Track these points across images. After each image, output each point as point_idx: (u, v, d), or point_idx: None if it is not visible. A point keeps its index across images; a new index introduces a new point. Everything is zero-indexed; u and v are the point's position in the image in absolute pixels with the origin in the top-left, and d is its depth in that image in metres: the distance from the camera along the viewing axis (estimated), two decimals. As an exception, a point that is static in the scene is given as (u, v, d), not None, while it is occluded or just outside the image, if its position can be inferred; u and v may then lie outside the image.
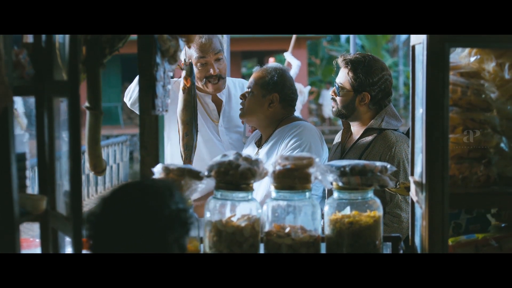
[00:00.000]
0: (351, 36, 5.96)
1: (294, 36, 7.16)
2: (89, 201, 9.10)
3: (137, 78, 3.47)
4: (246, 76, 32.19)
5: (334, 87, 3.55)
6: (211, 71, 3.63)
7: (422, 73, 2.13)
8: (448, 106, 2.07)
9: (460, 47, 2.25)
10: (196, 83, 3.70)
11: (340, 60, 3.55)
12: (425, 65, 2.07)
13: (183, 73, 3.35)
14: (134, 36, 2.46)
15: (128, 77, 24.04)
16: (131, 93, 3.62)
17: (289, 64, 6.89)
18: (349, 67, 3.48)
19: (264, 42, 22.66)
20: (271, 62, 6.78)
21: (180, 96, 3.38)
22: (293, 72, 6.61)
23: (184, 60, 3.44)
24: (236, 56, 23.67)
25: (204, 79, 3.65)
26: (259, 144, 3.57)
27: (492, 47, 2.19)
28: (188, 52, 3.60)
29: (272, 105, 3.48)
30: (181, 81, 3.39)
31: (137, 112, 3.55)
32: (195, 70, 3.62)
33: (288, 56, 7.05)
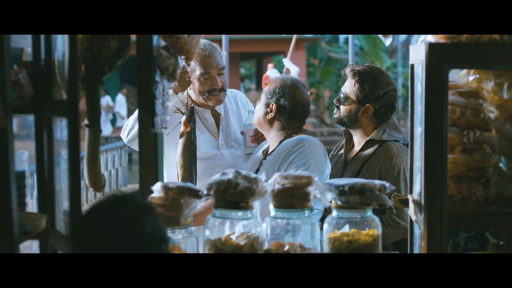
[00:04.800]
0: (350, 37, 5.92)
1: (293, 42, 7.14)
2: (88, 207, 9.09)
3: (135, 114, 3.46)
4: (244, 77, 32.20)
5: (339, 95, 3.58)
6: (215, 85, 3.65)
7: (421, 94, 2.13)
8: (447, 128, 2.07)
9: (459, 68, 2.25)
10: (197, 97, 3.71)
11: (348, 70, 3.58)
12: (424, 87, 2.08)
13: (183, 118, 3.36)
14: (133, 38, 2.46)
15: (126, 79, 24.07)
16: (129, 130, 3.62)
17: (288, 71, 6.89)
18: (356, 78, 3.51)
19: (262, 44, 22.69)
20: (270, 69, 6.74)
21: (179, 140, 3.39)
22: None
23: (186, 104, 3.44)
24: (234, 58, 23.66)
25: (207, 93, 3.66)
26: (265, 154, 3.59)
27: (491, 69, 2.19)
28: (190, 67, 3.60)
29: (270, 114, 3.49)
30: (181, 127, 3.40)
31: (134, 148, 3.55)
32: (197, 84, 3.64)
33: (286, 62, 7.03)
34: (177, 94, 3.59)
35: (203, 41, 3.64)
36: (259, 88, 24.35)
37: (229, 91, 3.91)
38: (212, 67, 3.62)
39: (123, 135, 3.67)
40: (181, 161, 3.39)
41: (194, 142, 3.40)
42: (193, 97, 3.74)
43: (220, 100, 3.71)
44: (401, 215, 3.36)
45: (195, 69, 3.62)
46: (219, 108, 3.79)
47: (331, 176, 3.51)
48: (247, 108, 3.92)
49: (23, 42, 2.48)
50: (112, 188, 10.47)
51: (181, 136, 3.37)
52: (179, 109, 3.44)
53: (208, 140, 3.73)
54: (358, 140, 3.61)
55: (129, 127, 3.63)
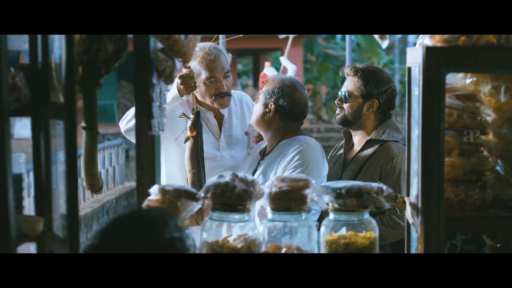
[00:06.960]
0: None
1: (290, 40, 7.11)
2: (85, 205, 9.07)
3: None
4: (241, 74, 32.15)
5: (340, 95, 3.60)
6: (221, 88, 3.67)
7: (418, 97, 2.13)
8: (444, 131, 2.07)
9: (456, 71, 2.25)
10: (203, 99, 3.71)
11: (348, 69, 3.62)
12: (421, 90, 2.08)
13: (189, 122, 3.38)
14: (130, 35, 2.45)
15: (123, 75, 23.99)
16: (128, 120, 3.63)
17: (285, 69, 6.87)
18: (359, 74, 3.55)
19: (259, 40, 22.64)
20: (267, 67, 6.72)
21: (186, 145, 3.41)
22: (289, 77, 6.52)
23: (192, 108, 3.45)
24: (231, 54, 23.62)
25: (214, 96, 3.67)
26: (263, 154, 3.59)
27: (488, 72, 2.19)
28: (195, 70, 3.60)
29: (268, 115, 3.49)
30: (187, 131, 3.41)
31: (130, 139, 3.56)
32: (203, 87, 3.65)
33: (284, 60, 6.99)
34: (181, 97, 3.59)
35: (208, 44, 3.65)
36: (256, 84, 24.34)
37: (236, 93, 3.92)
38: (217, 71, 3.65)
39: (122, 124, 3.69)
40: (189, 166, 3.41)
41: (201, 146, 3.42)
42: (198, 98, 3.75)
43: (225, 104, 3.74)
44: (401, 215, 3.37)
45: (200, 73, 3.63)
46: (223, 110, 3.80)
47: (330, 177, 3.52)
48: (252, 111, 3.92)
49: (19, 43, 2.47)
50: (109, 186, 10.45)
51: (186, 141, 3.39)
52: (185, 114, 3.45)
53: (209, 141, 3.73)
54: (358, 140, 3.62)
55: (129, 117, 3.65)
